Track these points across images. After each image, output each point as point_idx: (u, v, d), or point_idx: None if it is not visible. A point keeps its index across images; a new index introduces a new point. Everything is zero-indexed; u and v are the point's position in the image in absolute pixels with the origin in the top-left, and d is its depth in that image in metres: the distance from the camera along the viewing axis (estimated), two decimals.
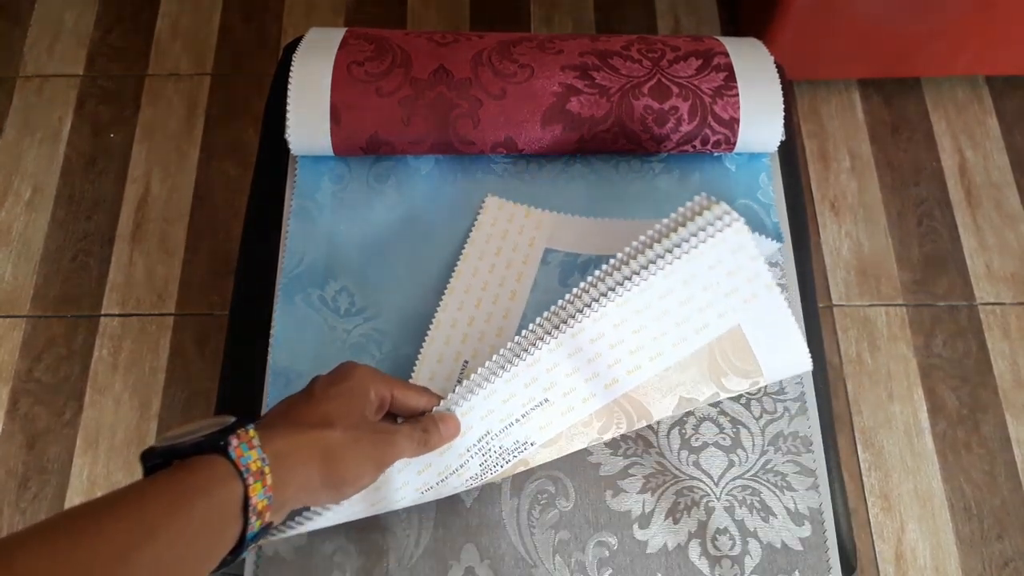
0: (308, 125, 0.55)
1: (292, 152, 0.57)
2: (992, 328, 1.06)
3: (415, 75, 0.55)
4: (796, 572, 0.47)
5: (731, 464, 0.50)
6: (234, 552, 0.32)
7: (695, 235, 0.42)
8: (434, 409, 0.43)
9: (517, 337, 0.44)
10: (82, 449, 0.98)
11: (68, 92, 1.19)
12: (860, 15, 1.00)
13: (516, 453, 0.45)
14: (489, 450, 0.44)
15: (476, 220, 0.57)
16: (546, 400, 0.43)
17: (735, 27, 1.23)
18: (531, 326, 0.44)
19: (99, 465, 0.97)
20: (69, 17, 1.24)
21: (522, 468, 0.46)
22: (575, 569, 0.47)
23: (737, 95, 0.56)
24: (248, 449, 0.32)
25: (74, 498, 0.95)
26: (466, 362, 0.51)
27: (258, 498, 0.32)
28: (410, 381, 0.49)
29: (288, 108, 0.54)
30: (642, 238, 0.44)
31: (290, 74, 0.55)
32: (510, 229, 0.56)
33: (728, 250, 0.42)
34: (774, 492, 0.49)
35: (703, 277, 0.42)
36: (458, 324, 0.53)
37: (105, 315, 1.05)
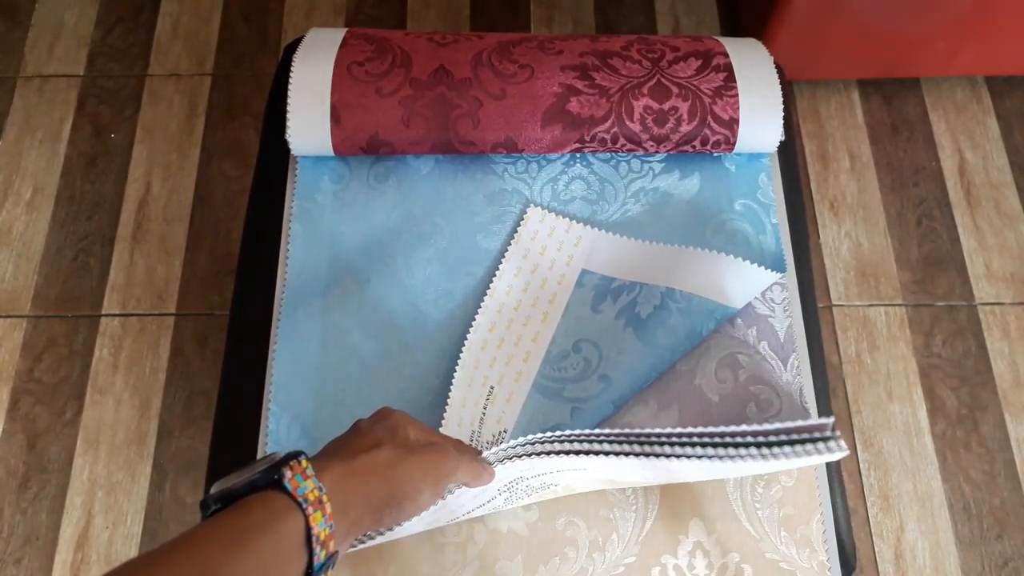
0: (308, 125, 0.55)
1: (292, 152, 0.57)
2: (991, 328, 1.06)
3: (415, 75, 0.55)
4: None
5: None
6: None
7: (796, 454, 0.39)
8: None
9: (578, 431, 0.41)
10: (83, 449, 0.98)
11: (68, 92, 1.19)
12: (860, 15, 1.00)
13: (540, 491, 0.45)
14: (517, 489, 0.44)
15: (516, 233, 0.56)
16: (585, 469, 0.43)
17: (735, 27, 1.23)
18: (596, 430, 0.42)
19: (99, 465, 0.97)
20: (69, 17, 1.24)
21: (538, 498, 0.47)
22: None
23: (737, 95, 0.56)
24: (303, 480, 0.32)
25: (75, 498, 0.96)
26: (492, 388, 0.51)
27: (320, 527, 0.31)
28: (444, 412, 0.50)
29: (288, 108, 0.55)
30: (754, 435, 0.40)
31: (290, 74, 0.55)
32: (549, 244, 0.56)
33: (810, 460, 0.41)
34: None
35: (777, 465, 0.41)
36: (488, 345, 0.52)
37: (105, 315, 1.05)
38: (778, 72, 0.58)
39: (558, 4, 1.26)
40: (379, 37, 0.58)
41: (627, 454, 0.40)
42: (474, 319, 0.53)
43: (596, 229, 0.57)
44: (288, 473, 0.32)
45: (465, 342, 0.52)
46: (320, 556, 0.31)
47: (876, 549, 0.95)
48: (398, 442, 0.37)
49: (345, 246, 0.56)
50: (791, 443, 0.39)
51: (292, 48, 0.61)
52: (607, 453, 0.40)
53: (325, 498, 0.32)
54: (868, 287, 1.08)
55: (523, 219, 0.57)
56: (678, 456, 0.39)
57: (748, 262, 0.50)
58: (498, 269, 0.55)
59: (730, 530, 0.48)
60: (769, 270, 0.51)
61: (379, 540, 0.41)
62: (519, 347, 0.52)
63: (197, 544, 0.29)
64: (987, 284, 1.08)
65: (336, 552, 0.33)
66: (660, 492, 0.49)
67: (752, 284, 0.52)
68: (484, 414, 0.50)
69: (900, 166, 1.16)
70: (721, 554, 0.48)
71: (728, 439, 0.40)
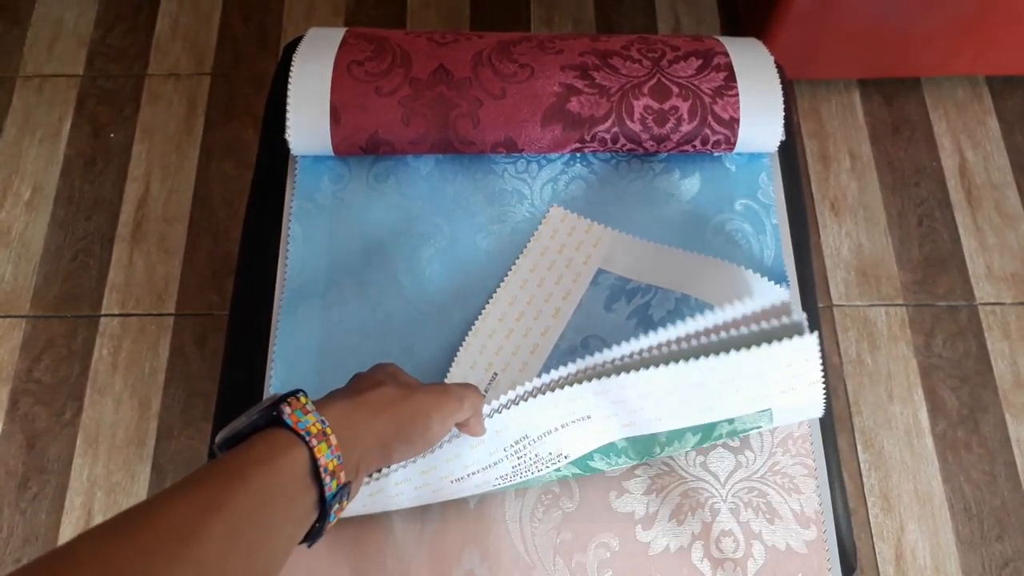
0: (308, 125, 0.55)
1: (292, 152, 0.57)
2: (992, 328, 1.06)
3: (415, 75, 0.55)
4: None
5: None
6: (320, 519, 0.32)
7: (766, 340, 0.40)
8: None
9: (562, 369, 0.42)
10: (82, 449, 0.98)
11: (68, 92, 1.19)
12: (860, 15, 1.00)
13: (549, 463, 0.45)
14: (524, 454, 0.44)
15: (537, 230, 0.56)
16: (588, 417, 0.43)
17: (735, 27, 1.23)
18: (578, 361, 0.42)
19: (99, 465, 0.97)
20: (69, 17, 1.24)
21: (547, 478, 0.47)
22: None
23: (737, 95, 0.56)
24: (303, 415, 0.32)
25: (74, 498, 0.95)
26: (495, 375, 0.51)
27: (326, 458, 0.31)
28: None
29: (288, 108, 0.54)
30: (710, 321, 0.41)
31: (290, 74, 0.54)
32: (568, 243, 0.56)
33: (787, 360, 0.41)
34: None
35: (755, 369, 0.41)
36: (496, 335, 0.52)
37: (105, 315, 1.05)
38: (778, 72, 0.58)
39: (558, 4, 1.26)
40: (379, 37, 0.58)
41: (605, 374, 0.41)
42: (484, 307, 0.53)
43: (616, 231, 0.56)
44: (287, 409, 0.32)
45: (473, 326, 0.52)
46: (331, 486, 0.31)
47: (876, 550, 0.95)
48: (399, 381, 0.38)
49: (345, 246, 0.56)
50: (762, 334, 0.40)
51: (292, 48, 0.61)
52: (589, 379, 0.41)
53: (329, 430, 0.32)
54: (869, 287, 1.08)
55: (545, 218, 0.57)
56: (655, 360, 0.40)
57: (765, 278, 0.50)
58: (515, 263, 0.55)
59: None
60: (781, 285, 0.51)
61: (373, 507, 0.40)
62: (527, 339, 0.52)
63: (198, 482, 0.29)
64: (988, 284, 1.08)
65: (348, 483, 0.33)
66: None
67: (765, 299, 0.51)
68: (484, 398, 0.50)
69: (901, 166, 1.15)
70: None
71: (697, 343, 0.41)
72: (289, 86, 0.54)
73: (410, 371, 0.52)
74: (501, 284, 0.54)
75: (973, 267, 1.09)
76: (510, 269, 0.55)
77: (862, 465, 0.99)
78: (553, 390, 0.41)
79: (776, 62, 0.58)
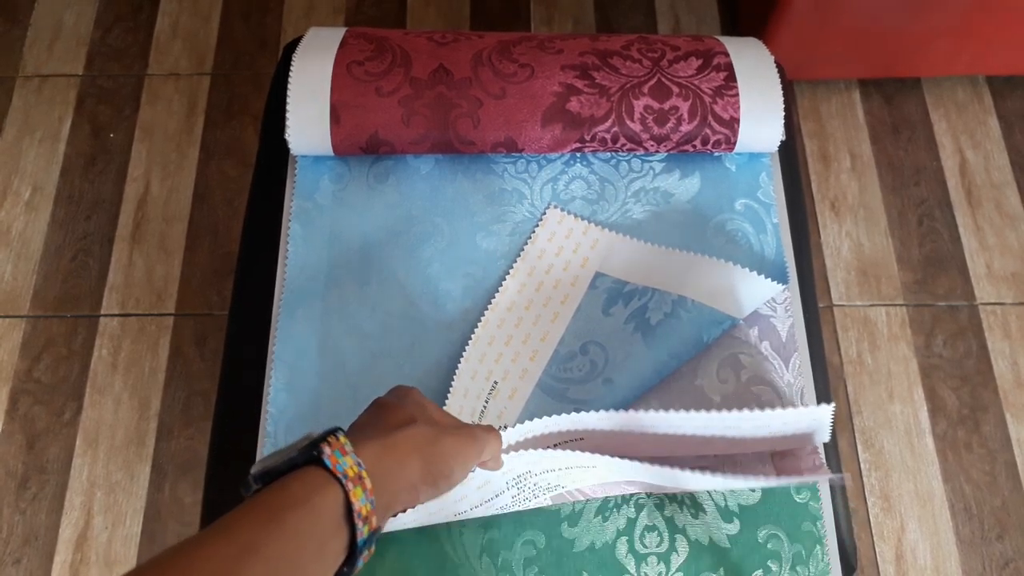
0: (308, 125, 0.55)
1: (292, 152, 0.57)
2: (992, 328, 1.06)
3: (415, 75, 0.55)
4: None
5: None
6: (348, 563, 0.31)
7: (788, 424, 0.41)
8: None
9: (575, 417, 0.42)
10: (82, 449, 0.98)
11: (68, 92, 1.19)
12: (860, 15, 1.00)
13: (547, 491, 0.45)
14: (524, 486, 0.44)
15: (533, 232, 0.56)
16: (594, 467, 0.43)
17: (735, 27, 1.23)
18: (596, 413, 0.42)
19: (99, 465, 0.97)
20: (69, 17, 1.24)
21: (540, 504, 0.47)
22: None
23: (737, 95, 0.56)
24: (342, 456, 0.32)
25: (74, 498, 0.95)
26: (495, 383, 0.51)
27: (360, 503, 0.31)
28: (448, 395, 0.50)
29: (288, 108, 0.54)
30: (741, 421, 0.42)
31: (290, 74, 0.54)
32: (565, 246, 0.56)
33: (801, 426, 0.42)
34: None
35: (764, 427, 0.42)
36: (495, 342, 0.52)
37: (105, 315, 1.05)
38: (779, 71, 0.58)
39: (558, 4, 1.26)
40: (379, 36, 0.58)
41: (635, 458, 0.40)
42: (483, 314, 0.53)
43: (614, 233, 0.56)
44: (327, 449, 0.31)
45: (472, 335, 0.52)
46: (363, 531, 0.31)
47: (877, 549, 0.95)
48: (430, 418, 0.37)
49: (344, 246, 0.56)
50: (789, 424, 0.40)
51: (291, 47, 0.61)
52: (617, 455, 0.40)
53: (364, 474, 0.32)
54: (869, 287, 1.08)
55: (541, 220, 0.57)
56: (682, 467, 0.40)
57: (761, 276, 0.50)
58: (512, 267, 0.55)
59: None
60: (777, 282, 0.51)
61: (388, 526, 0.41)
62: (527, 345, 0.52)
63: (235, 524, 0.28)
64: (988, 284, 1.08)
65: (378, 528, 0.32)
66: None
67: (760, 295, 0.52)
68: (485, 408, 0.50)
69: (901, 166, 1.15)
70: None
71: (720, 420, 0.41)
72: (289, 86, 0.54)
73: (411, 370, 0.52)
74: (499, 289, 0.54)
75: (973, 267, 1.09)
76: (508, 272, 0.55)
77: (862, 465, 0.99)
78: (568, 447, 0.41)
79: (776, 62, 0.58)
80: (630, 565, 0.47)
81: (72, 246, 1.09)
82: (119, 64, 1.21)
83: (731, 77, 0.56)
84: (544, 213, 0.57)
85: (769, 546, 0.48)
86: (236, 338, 0.56)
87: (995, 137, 1.17)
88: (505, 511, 0.46)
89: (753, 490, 0.49)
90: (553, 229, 0.56)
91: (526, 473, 0.43)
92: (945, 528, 0.96)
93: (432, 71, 0.55)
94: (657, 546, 0.47)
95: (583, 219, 0.57)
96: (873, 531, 0.96)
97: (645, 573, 0.47)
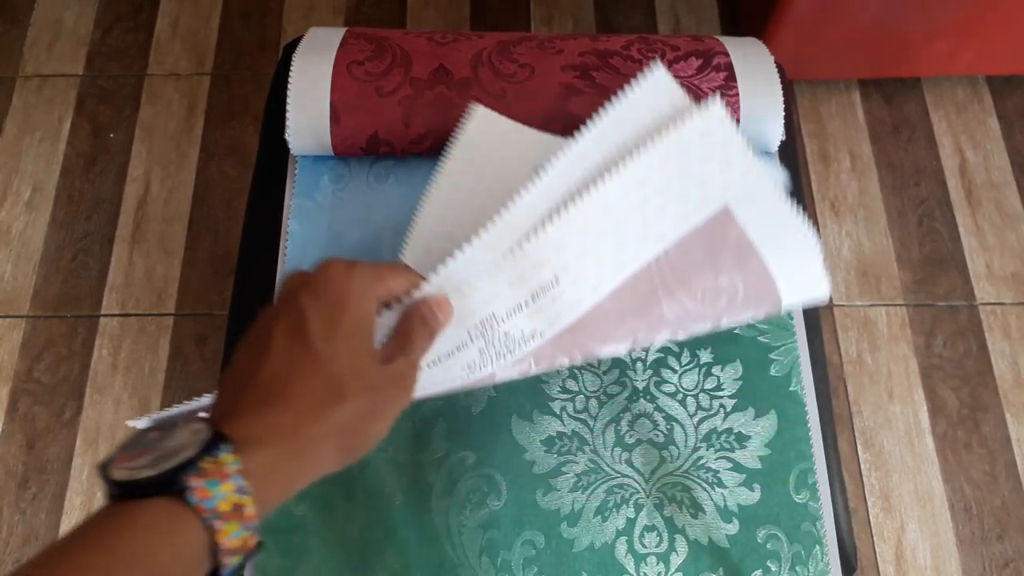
0: (308, 125, 0.55)
1: (292, 152, 0.57)
2: (992, 328, 1.06)
3: (415, 75, 0.55)
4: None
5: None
6: None
7: (664, 127, 0.38)
8: (422, 289, 0.37)
9: (504, 216, 0.38)
10: (82, 449, 0.98)
11: (68, 92, 1.19)
12: (860, 15, 1.00)
13: (523, 343, 0.40)
14: (493, 336, 0.39)
15: (458, 129, 0.48)
16: (555, 280, 0.39)
17: (735, 27, 1.23)
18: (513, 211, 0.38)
19: None
20: (69, 17, 1.24)
21: (529, 370, 0.42)
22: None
23: (737, 95, 0.56)
24: (218, 484, 0.26)
25: (74, 498, 0.95)
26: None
27: (231, 539, 0.26)
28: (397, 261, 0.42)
29: (288, 108, 0.54)
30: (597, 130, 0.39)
31: (290, 74, 0.54)
32: (499, 146, 0.48)
33: (698, 135, 0.39)
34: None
35: (675, 164, 0.39)
36: (446, 219, 0.45)
37: (105, 315, 1.05)
38: (779, 71, 0.58)
39: (558, 4, 1.26)
40: (379, 36, 0.58)
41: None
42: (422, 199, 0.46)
43: (552, 135, 0.50)
44: (195, 483, 0.26)
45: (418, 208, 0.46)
46: (231, 563, 0.27)
47: (877, 550, 0.95)
48: (362, 380, 0.30)
49: (344, 243, 0.56)
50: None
51: (291, 47, 0.61)
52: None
53: (247, 500, 0.27)
54: (869, 287, 1.08)
55: (466, 115, 0.48)
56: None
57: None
58: (439, 166, 0.47)
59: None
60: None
61: None
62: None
63: (81, 546, 0.25)
64: (988, 284, 1.08)
65: (257, 546, 0.28)
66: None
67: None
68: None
69: (901, 166, 1.15)
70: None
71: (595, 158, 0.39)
72: (289, 86, 0.54)
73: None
74: (431, 182, 0.47)
75: (973, 267, 1.09)
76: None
77: (862, 465, 0.99)
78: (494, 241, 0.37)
79: (776, 62, 0.58)
80: (629, 565, 0.47)
81: (72, 246, 1.09)
82: (119, 64, 1.21)
83: (731, 77, 0.56)
84: (468, 109, 0.49)
85: (768, 546, 0.48)
86: (236, 338, 0.56)
87: (995, 137, 1.17)
88: (476, 374, 0.41)
89: (752, 488, 0.49)
90: (482, 128, 0.48)
91: (490, 317, 0.39)
92: (945, 528, 0.96)
93: (432, 71, 0.55)
94: (656, 546, 0.47)
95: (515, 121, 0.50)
96: (873, 531, 0.96)
97: (644, 573, 0.47)
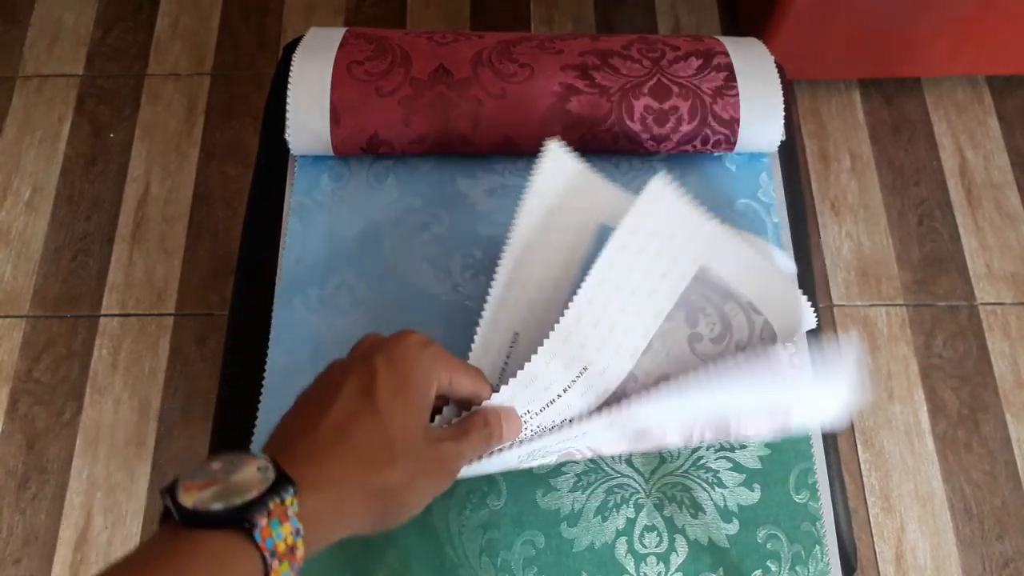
0: (308, 125, 0.55)
1: (292, 152, 0.57)
2: (992, 328, 1.06)
3: (415, 75, 0.55)
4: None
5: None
6: None
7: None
8: (491, 399, 0.39)
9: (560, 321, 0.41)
10: (82, 449, 0.98)
11: (68, 92, 1.19)
12: (860, 15, 1.00)
13: (556, 451, 0.44)
14: (527, 425, 0.41)
15: (536, 168, 0.48)
16: (584, 370, 0.41)
17: (735, 27, 1.23)
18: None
19: (99, 465, 0.97)
20: (68, 17, 1.24)
21: (568, 456, 0.45)
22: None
23: (737, 95, 0.56)
24: (280, 524, 0.27)
25: (74, 498, 0.95)
26: (516, 334, 0.47)
27: None
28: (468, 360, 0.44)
29: (288, 108, 0.54)
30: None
31: (290, 74, 0.54)
32: (568, 195, 0.50)
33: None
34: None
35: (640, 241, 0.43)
36: (513, 287, 0.48)
37: (105, 315, 1.05)
38: (779, 71, 0.58)
39: (558, 4, 1.26)
40: (379, 36, 0.58)
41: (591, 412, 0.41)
42: (496, 268, 0.48)
43: (614, 186, 0.51)
44: (262, 522, 0.27)
45: (489, 290, 0.48)
46: None
47: (877, 550, 0.95)
48: (412, 451, 0.32)
49: (344, 243, 0.56)
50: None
51: (291, 47, 0.61)
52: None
53: (300, 543, 0.28)
54: (869, 287, 1.08)
55: (543, 152, 0.49)
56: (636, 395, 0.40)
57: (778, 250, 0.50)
58: (514, 221, 0.48)
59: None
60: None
61: None
62: (541, 294, 0.49)
63: (148, 567, 0.26)
64: (988, 284, 1.08)
65: None
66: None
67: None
68: (507, 363, 0.47)
69: (901, 166, 1.15)
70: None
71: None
72: (289, 86, 0.54)
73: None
74: (506, 246, 0.49)
75: (973, 267, 1.09)
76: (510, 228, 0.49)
77: (862, 465, 0.99)
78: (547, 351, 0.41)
79: (776, 62, 0.58)
80: (629, 565, 0.47)
81: (72, 246, 1.09)
82: (119, 64, 1.21)
83: (731, 77, 0.56)
84: (544, 145, 0.49)
85: (768, 546, 0.48)
86: (236, 338, 0.56)
87: (995, 137, 1.17)
88: (521, 463, 0.44)
89: (752, 488, 0.49)
90: (556, 170, 0.49)
91: (525, 413, 0.41)
92: (945, 528, 0.96)
93: (432, 71, 0.55)
94: (656, 546, 0.47)
95: (582, 160, 0.50)
96: (873, 531, 0.96)
97: (644, 573, 0.47)
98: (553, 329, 0.41)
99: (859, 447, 0.99)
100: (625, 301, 0.44)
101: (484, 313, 0.47)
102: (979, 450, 0.99)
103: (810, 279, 0.58)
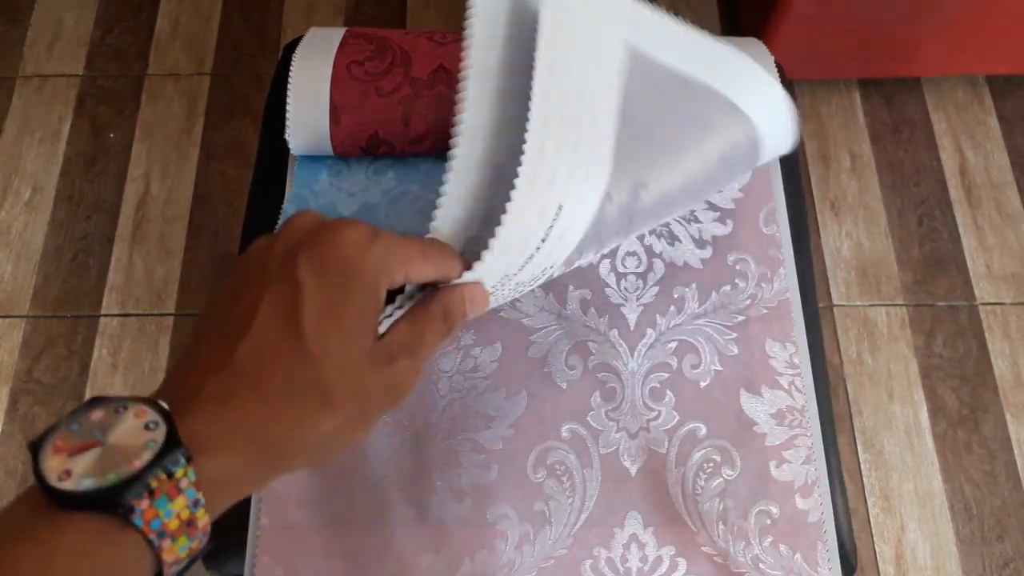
0: (308, 125, 0.55)
1: (292, 152, 0.57)
2: (992, 328, 1.06)
3: (415, 75, 0.55)
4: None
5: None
6: None
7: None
8: (462, 277, 0.31)
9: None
10: None
11: (68, 92, 1.19)
12: (860, 15, 1.00)
13: (533, 284, 0.41)
14: (504, 288, 0.37)
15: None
16: (560, 208, 0.34)
17: (735, 27, 1.23)
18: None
19: None
20: (69, 17, 1.24)
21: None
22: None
23: None
24: (169, 501, 0.22)
25: None
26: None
27: (178, 552, 0.23)
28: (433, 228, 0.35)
29: (288, 108, 0.54)
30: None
31: (290, 74, 0.54)
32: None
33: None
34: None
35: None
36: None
37: (105, 315, 1.05)
38: (779, 71, 0.58)
39: None
40: (379, 36, 0.58)
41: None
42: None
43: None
44: (142, 505, 0.22)
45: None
46: (174, 570, 0.24)
47: (877, 550, 0.95)
48: (353, 389, 0.26)
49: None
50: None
51: (291, 47, 0.61)
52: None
53: (200, 513, 0.23)
54: (869, 287, 1.08)
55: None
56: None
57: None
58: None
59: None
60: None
61: None
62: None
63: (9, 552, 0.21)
64: (988, 284, 1.08)
65: (209, 539, 0.24)
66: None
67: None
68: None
69: (901, 166, 1.15)
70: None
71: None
72: (289, 86, 0.54)
73: None
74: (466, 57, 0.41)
75: (973, 267, 1.09)
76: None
77: (862, 465, 0.99)
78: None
79: (776, 62, 0.58)
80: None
81: (72, 246, 1.09)
82: (119, 64, 1.21)
83: None
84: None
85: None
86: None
87: (995, 137, 1.17)
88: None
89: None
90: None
91: (503, 278, 0.36)
92: (945, 528, 0.96)
93: (432, 71, 0.55)
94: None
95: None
96: (873, 531, 0.96)
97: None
98: (517, 175, 0.32)
99: (859, 447, 1.00)
100: (577, 109, 0.36)
101: (455, 150, 0.39)
102: (979, 450, 0.99)
103: (810, 279, 0.58)
